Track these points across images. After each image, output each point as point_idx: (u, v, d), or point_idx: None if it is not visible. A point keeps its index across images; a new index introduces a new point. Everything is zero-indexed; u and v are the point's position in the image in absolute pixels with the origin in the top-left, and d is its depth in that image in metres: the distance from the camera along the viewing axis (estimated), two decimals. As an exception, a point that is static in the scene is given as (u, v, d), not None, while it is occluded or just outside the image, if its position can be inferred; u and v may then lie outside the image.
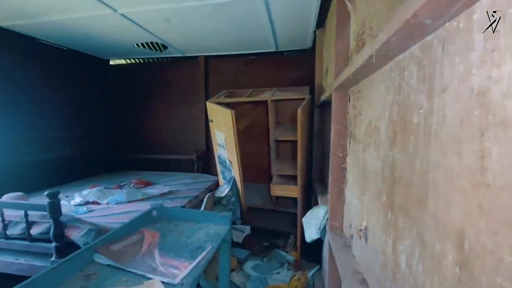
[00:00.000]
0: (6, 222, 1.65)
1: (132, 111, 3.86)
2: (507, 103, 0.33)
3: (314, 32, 2.61)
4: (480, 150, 0.38)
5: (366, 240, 0.96)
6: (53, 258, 1.53)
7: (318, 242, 1.95)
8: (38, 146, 2.85)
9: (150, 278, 0.89)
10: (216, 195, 2.59)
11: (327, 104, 2.04)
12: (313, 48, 2.85)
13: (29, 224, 1.62)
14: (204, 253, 1.04)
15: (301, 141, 2.28)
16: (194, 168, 3.56)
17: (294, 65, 3.31)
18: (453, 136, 0.44)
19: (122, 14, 2.18)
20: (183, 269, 0.94)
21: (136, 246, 1.08)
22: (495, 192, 0.35)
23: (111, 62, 3.87)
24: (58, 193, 1.52)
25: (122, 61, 3.91)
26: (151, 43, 3.00)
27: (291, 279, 2.18)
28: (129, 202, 2.26)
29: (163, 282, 0.86)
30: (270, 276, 2.25)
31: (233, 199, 2.59)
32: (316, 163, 2.73)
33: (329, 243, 1.37)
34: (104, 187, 2.58)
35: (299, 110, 2.18)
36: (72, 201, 2.25)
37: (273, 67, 3.39)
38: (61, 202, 1.57)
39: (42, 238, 1.61)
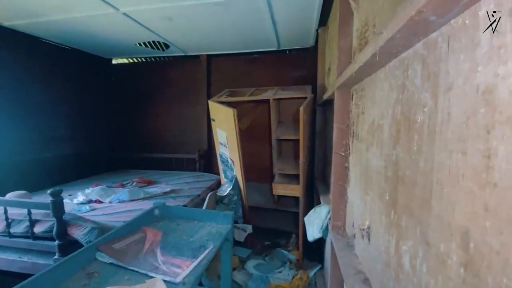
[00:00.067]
0: (9, 220, 1.65)
1: (135, 110, 3.87)
2: (515, 100, 0.33)
3: (317, 30, 2.60)
4: (486, 148, 0.37)
5: (369, 239, 0.95)
6: (56, 256, 1.54)
7: (320, 242, 1.95)
8: (41, 145, 2.87)
9: (152, 277, 0.89)
10: (218, 194, 2.59)
11: (329, 103, 2.03)
12: (315, 47, 2.84)
13: (33, 222, 1.62)
14: (206, 252, 1.04)
15: (303, 140, 2.27)
16: (196, 167, 3.57)
17: (296, 64, 3.30)
18: (458, 135, 0.44)
19: (124, 13, 2.18)
20: (185, 268, 0.94)
21: (138, 245, 1.09)
22: (501, 192, 0.34)
23: (114, 61, 3.88)
24: (61, 191, 1.53)
25: (125, 60, 3.92)
26: (153, 42, 3.00)
27: (293, 278, 2.18)
28: (131, 201, 2.27)
29: (165, 281, 0.86)
30: (272, 275, 2.25)
31: (235, 198, 2.59)
32: (318, 162, 2.72)
33: (331, 243, 1.36)
34: (107, 186, 2.60)
35: (301, 109, 2.18)
36: (75, 199, 2.26)
37: (275, 66, 3.38)
38: (64, 200, 1.57)
39: (45, 236, 1.62)
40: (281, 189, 2.57)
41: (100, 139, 3.69)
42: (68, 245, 1.55)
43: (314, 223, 1.72)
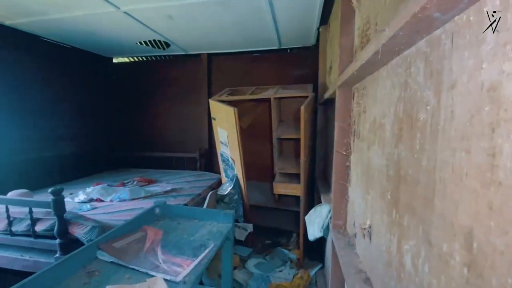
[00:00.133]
0: (11, 219, 1.66)
1: (135, 109, 3.87)
2: (520, 98, 0.32)
3: (318, 29, 2.59)
4: (491, 147, 0.36)
5: (370, 239, 0.95)
6: (57, 255, 1.54)
7: (321, 241, 1.95)
8: (41, 144, 2.87)
9: (152, 276, 0.89)
10: (218, 193, 2.59)
11: (330, 101, 2.03)
12: (316, 46, 2.83)
13: (34, 221, 1.63)
14: (206, 251, 1.04)
15: (304, 139, 2.27)
16: (197, 166, 3.57)
17: (298, 62, 3.29)
18: (462, 133, 0.43)
19: (125, 12, 2.18)
20: (185, 267, 0.93)
21: (139, 244, 1.09)
22: (506, 190, 0.34)
23: (114, 60, 3.88)
24: (62, 190, 1.53)
25: (125, 59, 3.92)
26: (154, 41, 3.00)
27: (293, 277, 2.18)
28: (132, 199, 2.27)
29: (165, 280, 0.86)
30: (272, 274, 2.25)
31: (236, 197, 2.59)
32: (319, 161, 2.71)
33: (332, 242, 1.36)
34: (108, 185, 2.60)
35: (302, 108, 2.17)
36: (76, 198, 2.27)
37: (276, 65, 3.37)
38: (65, 199, 1.58)
39: (47, 234, 1.63)
40: (282, 188, 2.57)
41: (100, 138, 3.69)
42: (69, 244, 1.55)
43: (315, 222, 1.71)
